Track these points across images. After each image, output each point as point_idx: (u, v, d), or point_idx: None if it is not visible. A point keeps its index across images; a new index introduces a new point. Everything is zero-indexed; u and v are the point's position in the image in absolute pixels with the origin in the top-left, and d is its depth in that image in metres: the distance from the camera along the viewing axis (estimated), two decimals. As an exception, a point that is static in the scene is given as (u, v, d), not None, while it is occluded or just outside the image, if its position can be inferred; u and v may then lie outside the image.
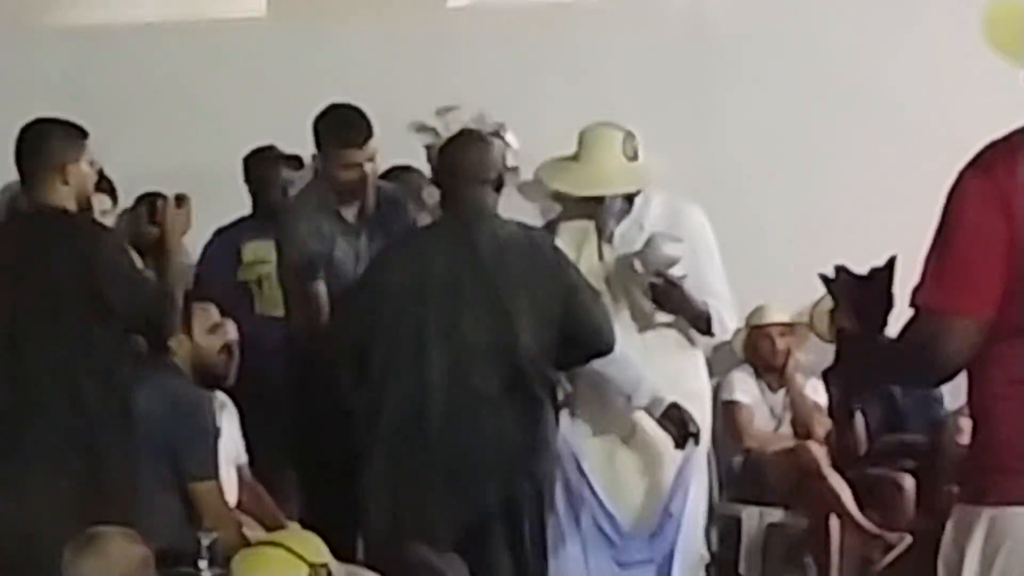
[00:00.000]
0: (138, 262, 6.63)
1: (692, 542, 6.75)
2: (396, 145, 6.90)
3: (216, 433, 6.91)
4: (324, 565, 4.27)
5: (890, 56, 9.16)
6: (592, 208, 6.93)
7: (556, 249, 6.53)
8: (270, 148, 8.79)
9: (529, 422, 6.21)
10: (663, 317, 6.92)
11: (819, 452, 8.77)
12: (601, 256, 6.89)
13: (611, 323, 6.41)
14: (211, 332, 7.02)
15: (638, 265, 6.79)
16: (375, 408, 6.27)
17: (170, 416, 6.72)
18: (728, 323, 7.12)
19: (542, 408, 6.26)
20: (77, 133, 6.30)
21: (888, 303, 3.96)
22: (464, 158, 6.40)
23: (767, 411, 9.07)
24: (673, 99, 9.13)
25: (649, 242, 6.80)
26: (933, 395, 9.10)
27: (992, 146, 3.82)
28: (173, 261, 6.41)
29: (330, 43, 9.94)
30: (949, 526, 3.91)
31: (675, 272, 6.79)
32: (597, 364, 6.59)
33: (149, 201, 6.67)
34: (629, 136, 6.94)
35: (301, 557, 4.28)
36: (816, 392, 9.16)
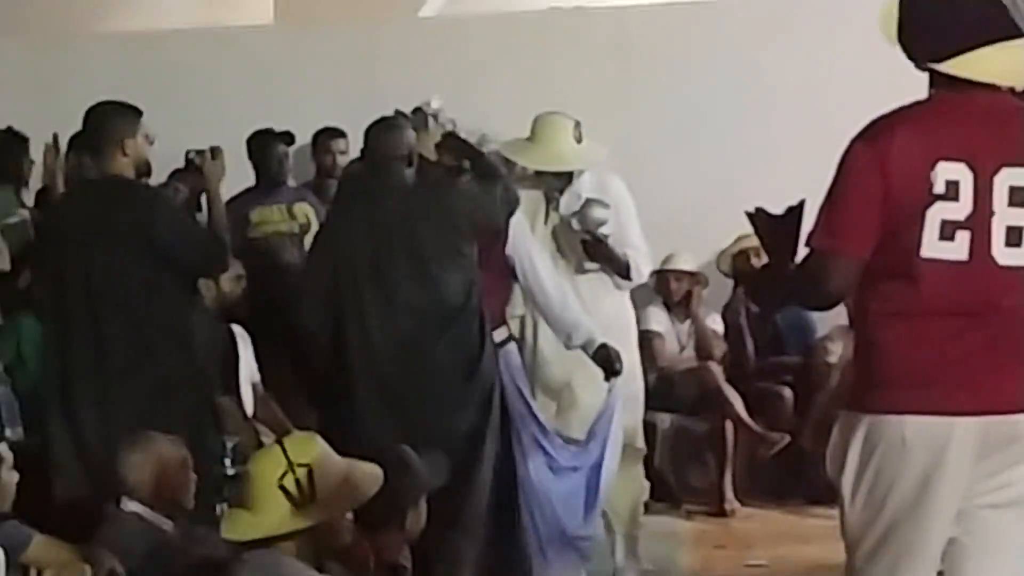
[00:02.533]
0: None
1: (614, 455, 6.57)
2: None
3: (236, 357, 7.00)
4: (305, 465, 4.12)
5: (778, 58, 9.10)
6: (542, 180, 6.97)
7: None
8: (267, 130, 8.72)
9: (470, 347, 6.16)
10: (593, 266, 6.98)
11: (717, 370, 8.86)
12: (547, 218, 6.94)
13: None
14: (234, 281, 7.09)
15: (575, 224, 6.87)
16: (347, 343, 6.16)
17: (200, 344, 6.81)
18: (644, 270, 7.16)
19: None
20: (133, 113, 6.23)
21: (797, 238, 3.92)
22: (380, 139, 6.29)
23: (675, 338, 9.08)
24: (601, 95, 9.02)
25: (584, 206, 6.86)
26: (807, 324, 9.14)
27: (876, 121, 3.82)
28: (217, 207, 6.36)
29: (322, 46, 9.87)
30: (835, 429, 3.92)
31: (602, 231, 6.87)
32: (543, 309, 6.61)
33: (191, 156, 6.70)
34: (577, 124, 6.97)
35: (285, 455, 4.15)
36: (715, 323, 9.22)
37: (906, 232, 3.72)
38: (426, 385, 6.06)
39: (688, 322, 9.17)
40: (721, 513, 8.71)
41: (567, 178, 7.00)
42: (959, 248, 3.71)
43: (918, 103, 3.87)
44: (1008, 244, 3.72)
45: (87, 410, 5.99)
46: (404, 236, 6.09)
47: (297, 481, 4.07)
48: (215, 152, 6.45)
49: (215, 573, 4.60)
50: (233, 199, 8.64)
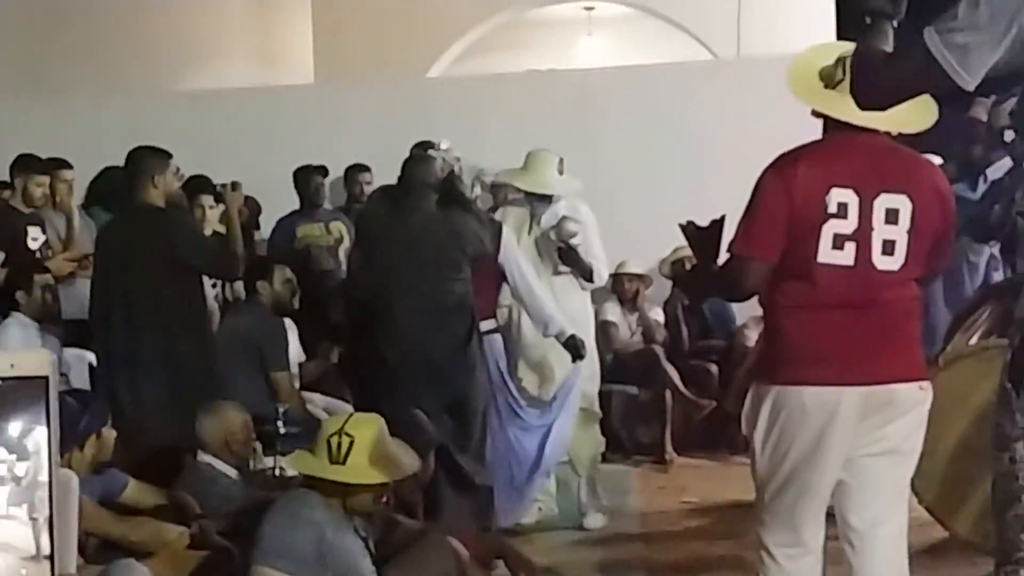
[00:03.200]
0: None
1: (567, 420, 6.61)
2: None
3: (286, 343, 7.02)
4: (350, 436, 4.15)
5: (705, 111, 9.13)
6: (529, 201, 6.97)
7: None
8: (308, 165, 8.79)
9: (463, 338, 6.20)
10: (565, 269, 6.97)
11: (659, 352, 8.84)
12: (531, 231, 6.91)
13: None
14: (285, 283, 7.11)
15: (553, 235, 6.87)
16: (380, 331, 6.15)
17: (259, 332, 6.83)
18: (603, 274, 7.18)
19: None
20: (164, 154, 6.20)
21: (718, 245, 3.93)
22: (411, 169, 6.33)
23: (627, 326, 9.07)
24: (570, 141, 9.05)
25: (560, 221, 6.86)
26: (729, 315, 9.13)
27: (783, 155, 3.84)
28: (234, 225, 6.32)
29: (351, 100, 9.93)
30: (749, 396, 3.90)
31: (573, 242, 6.87)
32: (526, 305, 6.58)
33: (217, 187, 6.69)
34: (560, 159, 7.02)
35: (341, 421, 4.24)
36: (657, 314, 9.25)
37: (806, 242, 3.73)
38: (433, 362, 6.07)
39: (636, 314, 9.15)
40: (662, 462, 8.64)
41: (548, 200, 6.99)
42: (847, 256, 3.73)
43: (815, 142, 3.91)
44: (883, 253, 3.74)
45: (124, 389, 5.96)
46: (427, 248, 6.12)
47: (339, 444, 4.07)
48: (235, 185, 6.47)
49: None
50: (283, 219, 8.74)
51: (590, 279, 7.09)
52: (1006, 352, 3.41)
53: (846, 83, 3.64)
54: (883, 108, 3.50)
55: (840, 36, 5.54)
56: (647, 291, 9.24)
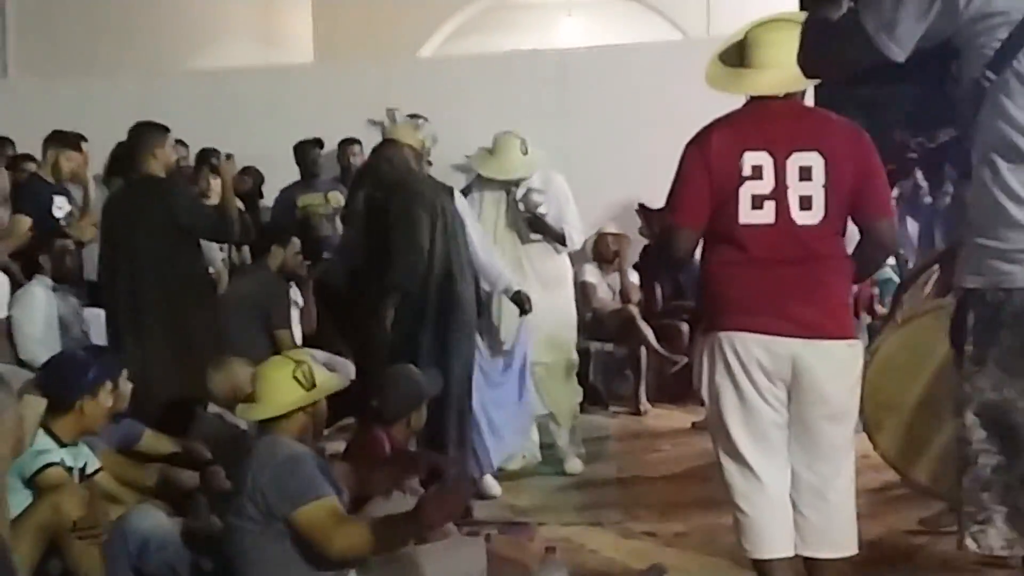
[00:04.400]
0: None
1: (524, 371, 6.58)
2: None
3: (289, 304, 7.04)
4: (304, 362, 4.11)
5: (681, 90, 9.03)
6: (502, 183, 6.94)
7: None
8: (305, 139, 8.85)
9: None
10: (537, 236, 6.94)
11: (634, 310, 8.83)
12: (507, 208, 6.92)
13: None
14: (296, 254, 7.13)
15: (521, 206, 6.89)
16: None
17: (265, 294, 6.86)
18: (576, 239, 7.11)
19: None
20: (162, 128, 6.21)
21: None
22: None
23: (606, 287, 9.04)
24: (550, 116, 9.10)
25: (525, 194, 6.86)
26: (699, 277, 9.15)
27: (703, 129, 3.91)
28: (229, 194, 6.31)
29: (347, 77, 9.91)
30: (696, 347, 4.05)
31: (540, 211, 6.87)
32: (476, 264, 6.43)
33: (212, 158, 6.67)
34: (523, 141, 6.95)
35: (290, 358, 4.17)
36: (634, 276, 9.28)
37: (727, 206, 3.79)
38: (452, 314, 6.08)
39: (615, 275, 9.11)
40: (637, 413, 8.71)
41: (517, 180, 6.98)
42: (767, 214, 3.77)
43: (733, 112, 3.96)
44: (802, 209, 3.77)
45: (126, 344, 5.92)
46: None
47: (304, 373, 4.05)
48: (228, 156, 6.50)
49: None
50: (285, 189, 8.75)
51: (563, 243, 7.07)
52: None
53: (753, 62, 3.80)
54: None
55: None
56: (627, 252, 9.21)
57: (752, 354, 3.80)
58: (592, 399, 8.19)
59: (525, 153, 6.98)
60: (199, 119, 8.97)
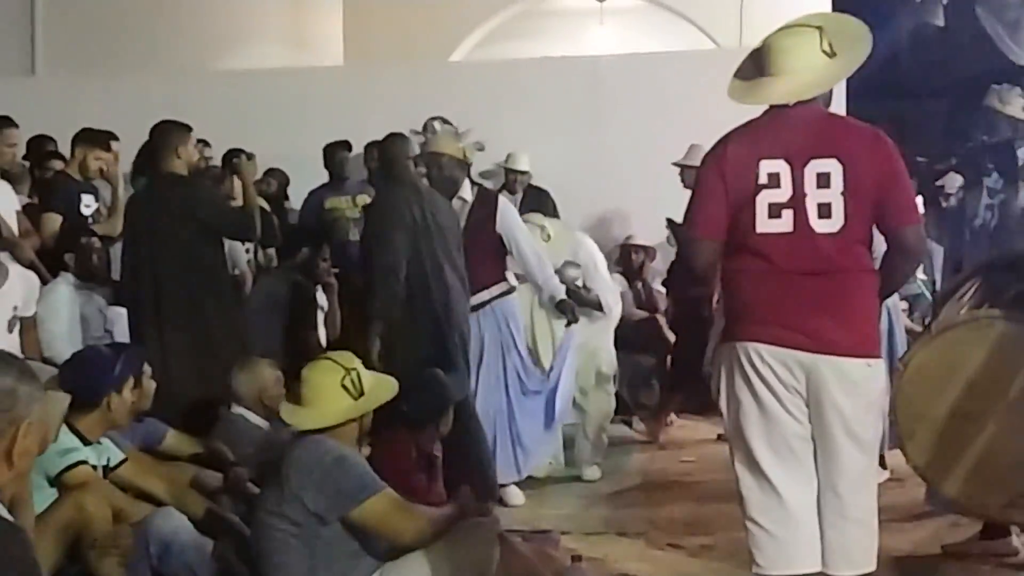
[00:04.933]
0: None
1: (567, 385, 6.59)
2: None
3: (316, 305, 7.04)
4: (354, 368, 4.08)
5: (712, 99, 9.03)
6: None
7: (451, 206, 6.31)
8: (336, 141, 8.83)
9: (464, 312, 6.12)
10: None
11: (661, 321, 8.81)
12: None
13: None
14: (323, 258, 7.16)
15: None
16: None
17: (289, 296, 6.89)
18: (611, 302, 7.22)
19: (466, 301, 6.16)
20: (186, 128, 6.21)
21: None
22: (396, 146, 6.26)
23: (632, 297, 8.96)
24: (581, 123, 9.14)
25: (562, 267, 6.90)
26: None
27: (720, 139, 3.88)
28: (250, 192, 6.30)
29: (377, 80, 9.93)
30: (715, 359, 3.96)
31: (577, 283, 6.96)
32: (524, 269, 6.51)
33: (233, 159, 6.70)
34: (542, 228, 6.88)
35: (339, 363, 4.10)
36: (660, 286, 9.28)
37: (744, 215, 3.76)
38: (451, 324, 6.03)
39: (640, 285, 9.11)
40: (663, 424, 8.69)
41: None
42: (785, 223, 3.73)
43: (752, 120, 3.91)
44: (820, 217, 3.72)
45: (147, 343, 5.84)
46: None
47: (353, 381, 4.03)
48: (249, 156, 6.55)
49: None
50: (313, 191, 8.77)
51: (600, 310, 7.15)
52: (996, 322, 3.39)
53: (768, 70, 3.77)
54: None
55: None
56: (652, 263, 9.21)
57: (768, 365, 3.77)
58: (618, 409, 8.12)
59: (547, 240, 6.94)
60: (227, 120, 9.00)
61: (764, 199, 3.74)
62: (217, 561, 4.27)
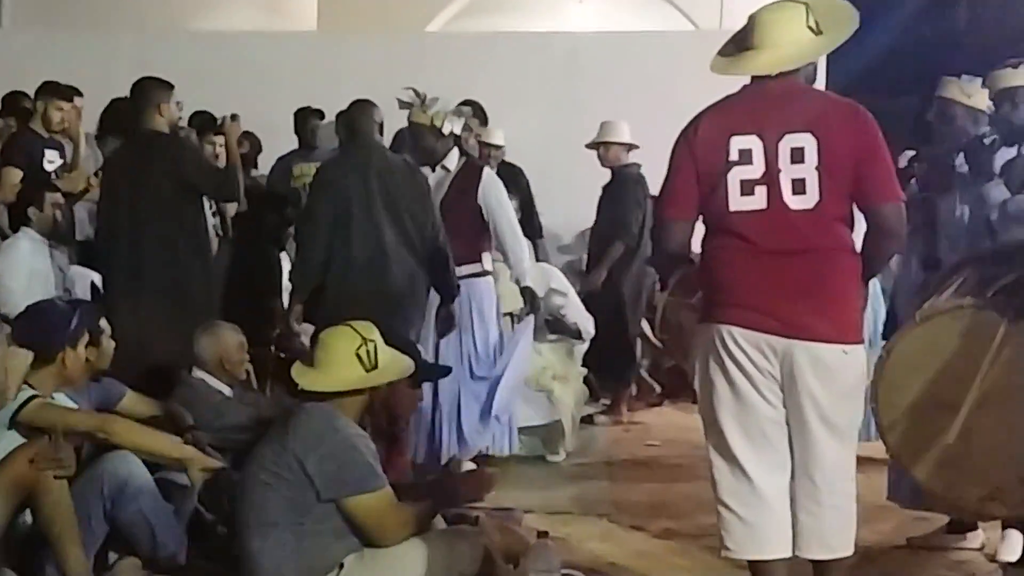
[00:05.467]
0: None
1: (513, 377, 6.42)
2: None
3: (280, 273, 6.97)
4: (372, 340, 4.00)
5: (691, 81, 8.98)
6: None
7: (421, 173, 6.18)
8: (306, 107, 8.74)
9: (410, 282, 5.95)
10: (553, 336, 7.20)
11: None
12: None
13: (439, 228, 6.03)
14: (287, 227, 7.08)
15: (542, 307, 6.84)
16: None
17: (254, 262, 6.83)
18: (589, 329, 7.38)
19: (416, 272, 5.98)
20: (167, 85, 6.17)
21: None
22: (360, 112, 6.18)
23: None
24: (558, 101, 9.11)
25: (547, 294, 6.98)
26: None
27: (694, 117, 3.85)
28: (233, 153, 6.32)
29: (351, 48, 9.83)
30: (698, 336, 3.89)
31: (562, 312, 7.13)
32: (500, 244, 6.43)
33: (218, 119, 6.65)
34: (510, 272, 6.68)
35: (358, 332, 4.03)
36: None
37: (716, 193, 3.72)
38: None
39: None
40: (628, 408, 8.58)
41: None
42: (759, 200, 3.68)
43: (728, 96, 3.87)
44: (795, 193, 3.67)
45: (122, 304, 5.86)
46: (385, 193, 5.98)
47: (368, 352, 3.97)
48: (234, 117, 6.50)
49: (260, 426, 4.57)
50: (281, 157, 8.67)
51: (579, 337, 7.24)
52: (976, 311, 3.35)
53: (751, 43, 3.76)
54: None
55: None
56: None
57: (742, 349, 3.73)
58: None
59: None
60: (196, 81, 8.85)
61: (736, 176, 3.70)
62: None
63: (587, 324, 7.35)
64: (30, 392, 4.32)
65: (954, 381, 3.93)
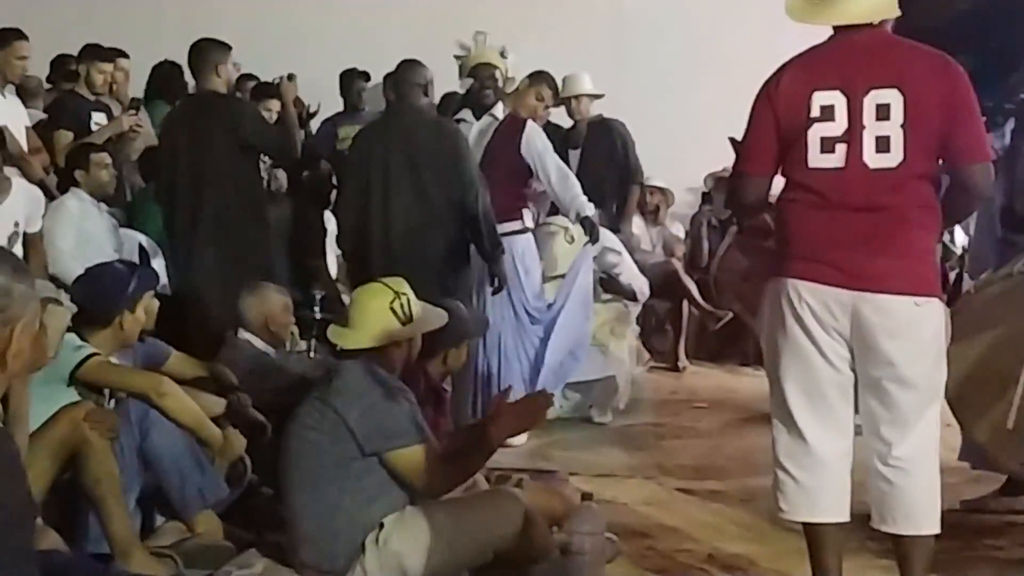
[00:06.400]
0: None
1: (570, 312, 6.50)
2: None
3: (325, 232, 6.95)
4: (404, 294, 4.00)
5: (737, 37, 8.96)
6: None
7: (455, 132, 6.07)
8: (352, 69, 8.76)
9: (447, 243, 5.91)
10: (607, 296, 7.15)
11: (677, 265, 8.75)
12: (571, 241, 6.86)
13: (475, 181, 5.89)
14: (324, 177, 7.06)
15: (595, 266, 6.88)
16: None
17: (299, 223, 6.80)
18: (645, 292, 7.37)
19: (453, 233, 5.93)
20: (224, 46, 6.24)
21: None
22: (403, 73, 6.13)
23: (648, 239, 8.93)
24: (602, 58, 8.98)
25: (601, 253, 6.91)
26: None
27: (778, 68, 3.71)
28: (289, 113, 6.34)
29: (394, 7, 9.79)
30: (767, 290, 3.75)
31: (616, 271, 7.06)
32: (550, 190, 6.48)
33: (275, 80, 6.65)
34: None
35: (389, 287, 4.02)
36: (677, 230, 9.19)
37: (796, 149, 3.60)
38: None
39: (657, 228, 9.06)
40: (675, 369, 8.63)
41: None
42: (838, 158, 3.55)
43: (808, 49, 3.71)
44: (878, 151, 3.53)
45: (185, 262, 6.02)
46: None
47: (402, 305, 3.96)
48: (291, 76, 6.48)
49: (304, 387, 4.53)
50: (327, 120, 8.65)
51: (634, 299, 7.23)
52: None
53: None
54: None
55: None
56: (668, 207, 9.14)
57: (807, 304, 3.61)
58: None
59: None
60: (242, 43, 8.81)
61: (816, 132, 3.57)
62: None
63: (642, 286, 7.32)
64: (90, 349, 4.31)
65: (1008, 351, 3.84)
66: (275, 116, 6.70)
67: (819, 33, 3.74)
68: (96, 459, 3.92)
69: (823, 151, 3.57)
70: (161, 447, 4.24)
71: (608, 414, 6.98)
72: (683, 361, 8.71)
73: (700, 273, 8.87)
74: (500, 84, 6.54)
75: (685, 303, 8.64)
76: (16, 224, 5.81)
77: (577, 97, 8.10)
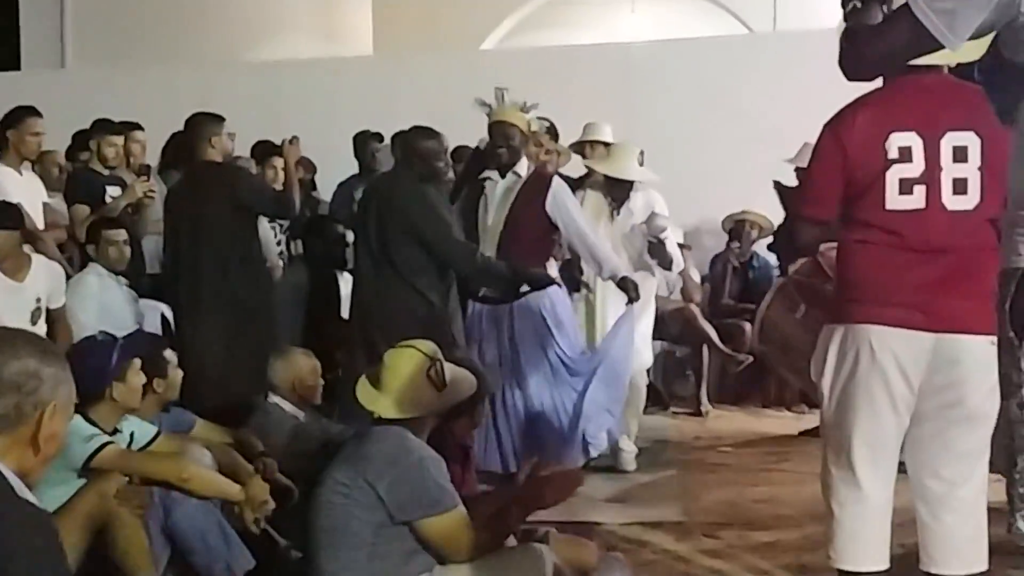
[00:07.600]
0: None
1: (616, 363, 6.33)
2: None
3: (339, 292, 7.05)
4: (439, 360, 3.94)
5: (747, 85, 9.04)
6: (607, 189, 6.86)
7: (430, 195, 6.03)
8: (365, 131, 8.80)
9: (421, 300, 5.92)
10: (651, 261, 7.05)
11: (696, 310, 8.73)
12: (612, 219, 6.85)
13: (455, 248, 5.96)
14: (336, 240, 7.15)
15: (644, 229, 6.87)
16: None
17: (316, 286, 6.87)
18: (680, 262, 7.35)
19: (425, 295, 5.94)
20: (219, 118, 6.39)
21: None
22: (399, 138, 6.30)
23: (665, 285, 8.82)
24: (614, 111, 8.97)
25: (650, 217, 6.89)
26: (770, 278, 8.62)
27: (844, 108, 3.68)
28: (291, 173, 6.45)
29: (406, 70, 9.91)
30: (821, 337, 3.74)
31: (664, 235, 6.93)
32: (580, 248, 6.37)
33: (280, 143, 6.73)
34: (641, 152, 6.88)
35: (422, 352, 3.96)
36: (695, 274, 9.18)
37: (871, 191, 3.57)
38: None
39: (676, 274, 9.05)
40: (698, 414, 8.61)
41: (626, 190, 6.90)
42: (917, 199, 3.54)
43: (877, 89, 3.67)
44: (955, 193, 3.53)
45: (187, 333, 6.10)
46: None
47: (437, 372, 3.91)
48: (293, 139, 6.57)
49: (334, 449, 4.54)
50: (343, 183, 8.73)
51: (670, 268, 7.16)
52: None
53: None
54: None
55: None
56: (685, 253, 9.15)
57: (889, 351, 3.58)
58: (652, 400, 8.07)
59: (641, 164, 6.93)
60: (256, 111, 8.97)
61: (895, 174, 3.55)
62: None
63: (679, 256, 7.28)
64: (103, 439, 4.25)
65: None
66: (280, 172, 6.82)
67: (826, 84, 3.75)
68: (125, 532, 3.93)
69: (901, 192, 3.55)
70: (186, 522, 4.23)
71: (632, 460, 6.91)
72: (706, 405, 8.69)
73: (718, 318, 8.88)
74: (516, 142, 6.38)
75: (705, 347, 8.64)
76: (38, 300, 5.87)
77: (592, 144, 8.11)
